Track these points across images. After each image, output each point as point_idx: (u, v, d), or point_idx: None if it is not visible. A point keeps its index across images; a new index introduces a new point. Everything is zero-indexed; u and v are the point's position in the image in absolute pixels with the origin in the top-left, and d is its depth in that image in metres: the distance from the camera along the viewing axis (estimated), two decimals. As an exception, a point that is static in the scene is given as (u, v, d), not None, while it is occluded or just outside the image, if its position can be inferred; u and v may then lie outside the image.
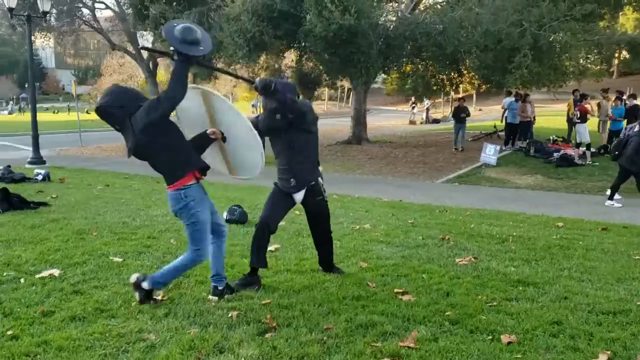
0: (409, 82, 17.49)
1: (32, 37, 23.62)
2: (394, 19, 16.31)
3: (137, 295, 4.03)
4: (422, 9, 18.69)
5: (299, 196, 4.70)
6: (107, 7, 21.17)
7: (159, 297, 4.19)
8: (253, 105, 49.46)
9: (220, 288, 4.31)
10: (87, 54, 70.47)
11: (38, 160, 16.05)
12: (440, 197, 11.20)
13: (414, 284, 4.78)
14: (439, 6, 18.66)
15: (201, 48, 3.76)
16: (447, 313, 4.06)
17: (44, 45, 46.93)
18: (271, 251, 5.72)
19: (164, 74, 39.42)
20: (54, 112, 56.65)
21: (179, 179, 3.89)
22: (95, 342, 3.44)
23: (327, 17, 12.86)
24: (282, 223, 7.14)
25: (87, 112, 53.96)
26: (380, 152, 19.17)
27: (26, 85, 73.69)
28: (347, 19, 12.80)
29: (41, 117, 30.64)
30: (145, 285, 4.02)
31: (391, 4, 17.87)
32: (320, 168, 4.83)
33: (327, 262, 5.07)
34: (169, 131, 3.88)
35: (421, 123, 34.36)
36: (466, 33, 13.58)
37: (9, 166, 11.35)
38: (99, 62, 61.73)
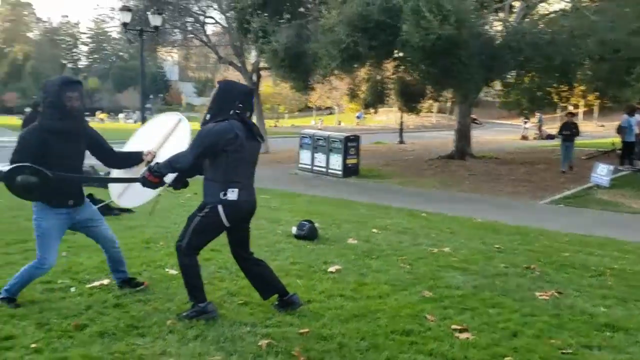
0: (511, 95, 16.38)
1: (157, 51, 25.23)
2: (500, 28, 15.41)
3: None
4: (534, 17, 17.56)
5: None
6: (216, 21, 21.98)
7: None
8: (357, 117, 49.44)
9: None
10: (206, 67, 74.29)
11: (144, 167, 16.83)
12: (540, 220, 10.26)
13: (479, 319, 4.23)
14: (553, 15, 17.43)
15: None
16: (506, 358, 3.50)
17: (166, 57, 49.64)
18: (331, 272, 5.39)
19: (268, 87, 40.54)
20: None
21: None
22: (113, 363, 3.29)
23: (425, 27, 12.32)
24: (353, 241, 6.85)
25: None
26: (483, 168, 18.17)
27: (150, 96, 79.20)
28: (447, 28, 12.18)
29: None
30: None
31: (497, 13, 16.92)
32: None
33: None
34: None
35: (534, 138, 32.40)
36: (578, 43, 12.45)
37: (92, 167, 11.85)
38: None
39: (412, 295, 4.79)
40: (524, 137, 32.57)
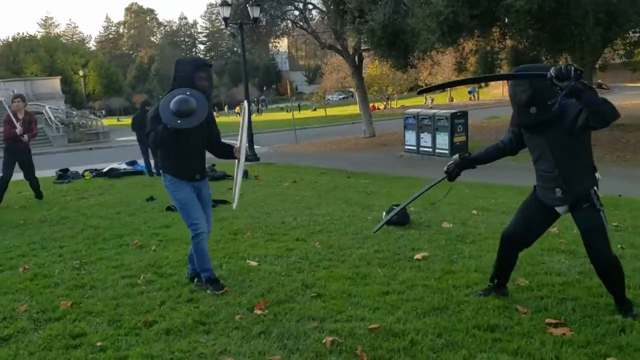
0: (636, 54, 14.63)
1: (270, 43, 25.77)
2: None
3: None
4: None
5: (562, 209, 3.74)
6: (315, 6, 21.88)
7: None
8: (470, 92, 47.45)
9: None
10: (315, 54, 75.00)
11: (252, 157, 17.21)
12: (673, 192, 9.10)
13: (581, 312, 3.68)
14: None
15: (179, 122, 4.03)
16: (608, 359, 2.98)
17: (278, 48, 50.53)
18: (417, 259, 5.02)
19: (372, 68, 39.93)
20: (287, 111, 61.45)
21: None
22: (171, 362, 3.21)
23: (529, -13, 11.35)
24: (448, 225, 6.39)
25: (313, 110, 57.61)
26: (608, 137, 16.55)
27: (264, 88, 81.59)
28: (554, -14, 11.15)
29: (275, 116, 33.16)
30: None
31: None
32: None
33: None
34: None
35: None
36: None
37: (214, 165, 12.22)
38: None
39: (504, 284, 4.30)
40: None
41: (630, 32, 14.77)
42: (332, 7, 18.19)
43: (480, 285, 4.27)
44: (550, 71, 3.17)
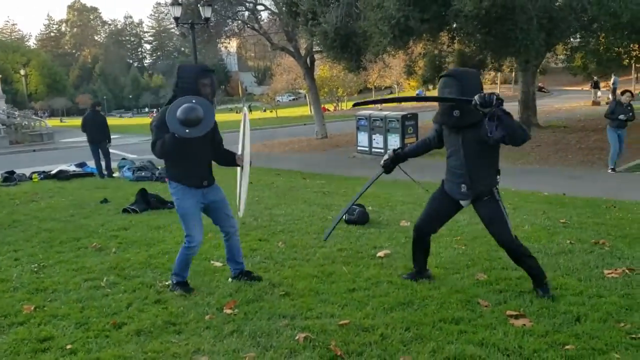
0: (576, 59, 15.30)
1: (219, 44, 25.46)
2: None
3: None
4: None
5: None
6: (266, 8, 21.85)
7: None
8: (418, 94, 48.37)
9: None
10: (264, 55, 74.72)
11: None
12: (614, 190, 9.60)
13: (537, 303, 3.88)
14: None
15: (187, 131, 3.98)
16: (567, 347, 3.18)
17: (228, 48, 49.86)
18: (379, 257, 5.15)
19: (323, 70, 40.15)
20: (237, 112, 60.99)
21: None
22: (145, 363, 3.20)
23: (477, -6, 11.71)
24: (406, 223, 6.56)
25: (264, 111, 57.41)
26: (551, 138, 17.28)
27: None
28: (501, -7, 11.54)
29: (226, 117, 32.97)
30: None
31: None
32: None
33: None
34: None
35: (607, 104, 30.53)
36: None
37: (150, 162, 12.07)
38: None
39: (464, 279, 4.49)
40: (595, 103, 30.78)
41: (571, 38, 15.44)
42: (284, 8, 18.21)
43: (442, 280, 4.44)
44: (475, 98, 3.66)
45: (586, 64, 14.63)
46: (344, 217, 6.66)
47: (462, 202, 4.19)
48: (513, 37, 12.47)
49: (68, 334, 3.60)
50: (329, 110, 50.18)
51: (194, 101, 4.05)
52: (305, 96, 51.65)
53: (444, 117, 4.03)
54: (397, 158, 4.51)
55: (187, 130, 3.98)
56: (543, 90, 43.75)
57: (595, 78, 29.54)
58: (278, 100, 57.64)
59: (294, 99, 71.39)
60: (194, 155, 4.23)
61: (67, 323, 3.78)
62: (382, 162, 4.57)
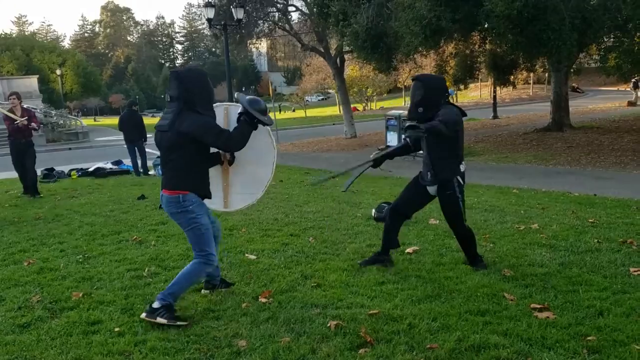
0: (609, 59, 15.14)
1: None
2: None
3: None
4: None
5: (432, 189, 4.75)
6: (297, 8, 22.10)
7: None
8: (449, 94, 48.07)
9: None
10: (294, 56, 75.16)
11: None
12: (645, 191, 9.52)
13: (562, 298, 3.99)
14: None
15: (266, 118, 4.01)
16: (589, 338, 3.29)
17: (259, 49, 50.30)
18: (408, 253, 5.30)
19: (352, 70, 40.23)
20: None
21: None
22: (187, 345, 3.43)
23: (509, -6, 11.73)
24: (435, 222, 6.69)
25: (293, 111, 57.75)
26: (583, 139, 17.12)
27: (243, 89, 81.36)
28: (533, -7, 11.54)
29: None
30: (155, 305, 3.74)
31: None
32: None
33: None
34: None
35: (643, 104, 30.01)
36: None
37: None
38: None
39: (491, 275, 4.60)
40: (631, 104, 30.25)
41: (605, 38, 15.29)
42: (315, 9, 18.42)
43: (469, 276, 4.57)
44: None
45: (620, 64, 14.43)
46: (373, 213, 6.85)
47: (429, 189, 4.72)
48: (545, 37, 12.42)
49: (115, 319, 3.86)
50: (358, 110, 50.28)
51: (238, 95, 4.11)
52: (334, 96, 51.84)
53: (411, 113, 4.59)
54: (384, 155, 5.05)
55: (266, 118, 3.97)
56: (577, 90, 43.13)
57: (636, 78, 28.94)
58: (307, 100, 57.96)
59: (323, 99, 71.61)
60: (208, 160, 4.06)
61: (114, 309, 4.04)
62: (373, 155, 5.08)
